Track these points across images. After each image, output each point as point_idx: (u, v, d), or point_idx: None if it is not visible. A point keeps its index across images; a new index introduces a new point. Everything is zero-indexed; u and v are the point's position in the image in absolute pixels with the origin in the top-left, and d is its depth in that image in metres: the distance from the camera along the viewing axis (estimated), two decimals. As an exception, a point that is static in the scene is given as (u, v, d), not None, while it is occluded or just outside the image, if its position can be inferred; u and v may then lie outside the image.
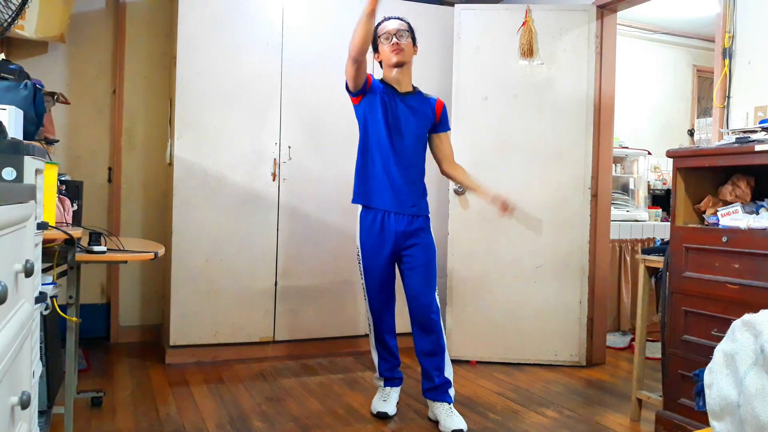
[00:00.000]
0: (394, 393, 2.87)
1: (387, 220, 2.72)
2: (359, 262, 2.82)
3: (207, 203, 3.52)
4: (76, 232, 1.99)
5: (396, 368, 2.91)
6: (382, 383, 2.91)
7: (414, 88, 2.83)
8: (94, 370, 3.34)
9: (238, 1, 3.55)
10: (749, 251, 2.16)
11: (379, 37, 2.74)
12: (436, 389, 2.72)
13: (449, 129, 2.91)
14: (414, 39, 2.78)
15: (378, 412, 2.78)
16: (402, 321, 3.18)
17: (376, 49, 2.78)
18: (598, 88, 3.67)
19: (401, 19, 2.77)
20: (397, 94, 2.75)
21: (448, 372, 2.75)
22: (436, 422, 2.70)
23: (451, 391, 2.75)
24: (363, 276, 2.80)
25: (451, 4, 3.88)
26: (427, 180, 2.88)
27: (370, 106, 2.72)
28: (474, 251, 3.65)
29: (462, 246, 3.67)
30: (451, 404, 2.71)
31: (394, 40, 2.70)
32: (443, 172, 2.93)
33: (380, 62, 2.80)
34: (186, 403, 2.90)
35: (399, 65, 2.73)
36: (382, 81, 2.78)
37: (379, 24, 2.75)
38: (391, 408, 2.80)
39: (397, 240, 2.72)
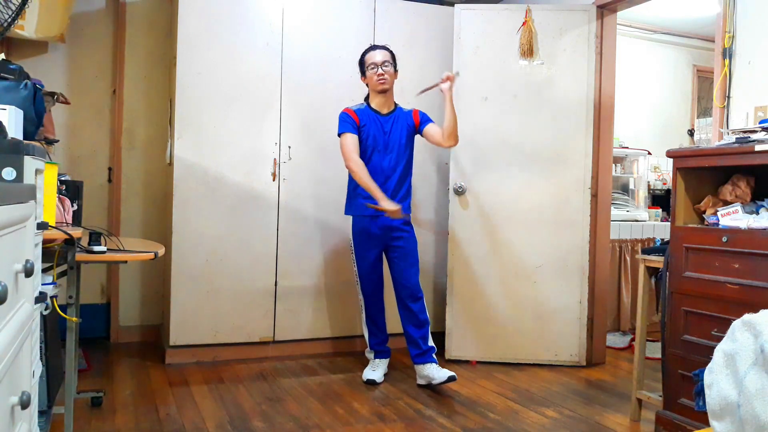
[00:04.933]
0: (382, 364, 3.34)
1: (373, 222, 3.20)
2: (352, 252, 3.31)
3: (207, 203, 3.52)
4: (76, 232, 1.99)
5: (384, 343, 3.38)
6: (372, 356, 3.37)
7: (395, 105, 3.30)
8: (94, 370, 3.34)
9: (238, 2, 3.55)
10: (749, 251, 2.16)
11: (366, 65, 3.22)
12: (424, 354, 3.21)
13: (432, 121, 3.30)
14: (395, 66, 3.25)
15: (367, 380, 3.23)
16: (396, 322, 3.33)
17: (363, 74, 3.26)
18: (598, 88, 3.66)
19: (386, 49, 3.24)
20: (380, 116, 3.23)
21: (431, 342, 3.27)
22: (427, 385, 3.16)
23: (434, 355, 3.24)
24: (356, 265, 3.30)
25: (451, 4, 3.88)
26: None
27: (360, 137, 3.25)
28: (474, 251, 3.65)
29: (462, 246, 3.67)
30: (437, 363, 3.20)
31: (380, 70, 3.17)
32: (446, 145, 3.26)
33: (366, 84, 3.28)
34: (186, 403, 2.90)
35: (383, 92, 3.22)
36: (367, 103, 3.27)
37: (366, 52, 3.25)
38: (378, 376, 3.26)
39: (384, 235, 3.22)
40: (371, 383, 3.22)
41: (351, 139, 3.16)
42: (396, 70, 3.26)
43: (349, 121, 3.19)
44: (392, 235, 3.22)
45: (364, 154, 3.19)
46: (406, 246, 3.24)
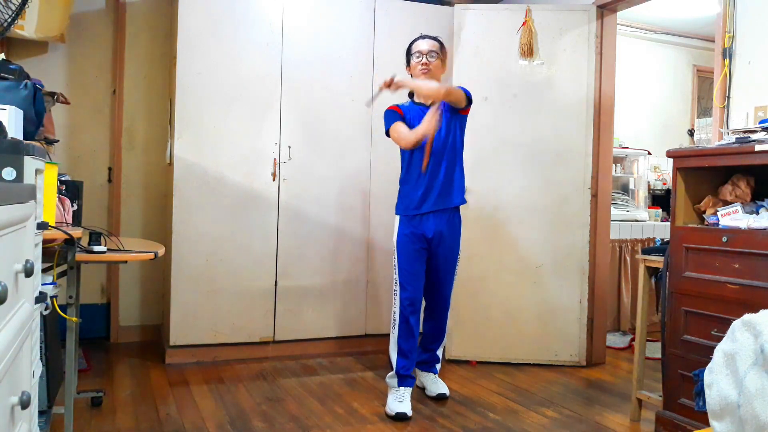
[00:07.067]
0: (407, 393, 2.89)
1: (422, 223, 2.97)
2: (395, 258, 3.01)
3: (207, 203, 3.52)
4: (76, 232, 1.99)
5: (412, 366, 2.99)
6: (395, 383, 2.92)
7: None
8: (94, 370, 3.34)
9: (238, 2, 3.55)
10: (749, 251, 2.16)
11: (412, 53, 3.03)
12: (427, 363, 3.16)
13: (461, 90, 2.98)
14: (444, 59, 3.03)
15: (397, 413, 2.77)
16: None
17: (408, 63, 3.06)
18: (598, 88, 3.66)
19: (435, 39, 3.02)
20: (425, 107, 2.98)
21: (440, 351, 3.20)
22: (423, 389, 3.14)
23: (438, 366, 3.19)
24: (397, 272, 3.00)
25: (451, 4, 3.88)
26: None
27: None
28: (474, 251, 3.65)
29: (462, 246, 3.66)
30: (437, 374, 3.17)
31: (424, 60, 2.97)
32: (462, 105, 2.99)
33: (410, 74, 3.06)
34: (186, 403, 2.90)
35: None
36: (411, 99, 3.08)
37: (414, 41, 3.04)
38: (408, 408, 2.81)
39: (431, 238, 2.99)
40: (402, 417, 2.76)
41: (400, 126, 2.94)
42: (445, 64, 3.07)
43: (393, 114, 3.02)
44: (438, 239, 2.98)
45: (409, 152, 3.00)
46: (447, 255, 3.03)
